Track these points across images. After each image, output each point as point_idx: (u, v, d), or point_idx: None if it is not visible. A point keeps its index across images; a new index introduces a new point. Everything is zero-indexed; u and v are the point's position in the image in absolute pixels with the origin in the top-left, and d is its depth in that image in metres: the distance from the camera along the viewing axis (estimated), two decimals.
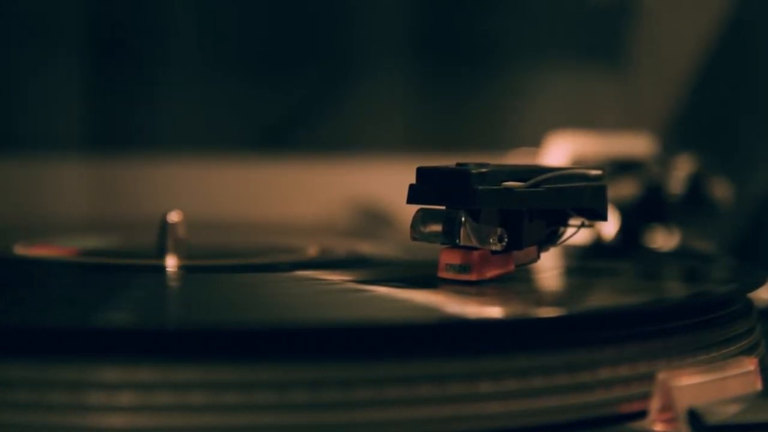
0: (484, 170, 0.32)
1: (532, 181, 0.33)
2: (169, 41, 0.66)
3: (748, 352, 0.32)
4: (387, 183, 0.58)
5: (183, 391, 0.25)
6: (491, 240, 0.33)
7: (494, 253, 0.33)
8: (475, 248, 0.33)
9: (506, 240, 0.33)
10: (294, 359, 0.26)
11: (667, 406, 0.28)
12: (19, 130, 0.65)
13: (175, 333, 0.26)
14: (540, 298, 0.34)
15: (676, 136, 0.62)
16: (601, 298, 0.35)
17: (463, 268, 0.33)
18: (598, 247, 0.48)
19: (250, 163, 0.67)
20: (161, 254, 0.39)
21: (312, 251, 0.43)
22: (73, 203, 0.65)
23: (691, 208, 0.50)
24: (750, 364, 0.30)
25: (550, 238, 0.35)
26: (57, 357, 0.25)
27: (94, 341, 0.25)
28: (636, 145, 0.54)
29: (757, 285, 0.35)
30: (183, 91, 0.67)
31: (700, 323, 0.31)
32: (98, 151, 0.66)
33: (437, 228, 0.33)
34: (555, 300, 0.34)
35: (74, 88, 0.65)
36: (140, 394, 0.25)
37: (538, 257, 0.35)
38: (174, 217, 0.39)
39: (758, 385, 0.30)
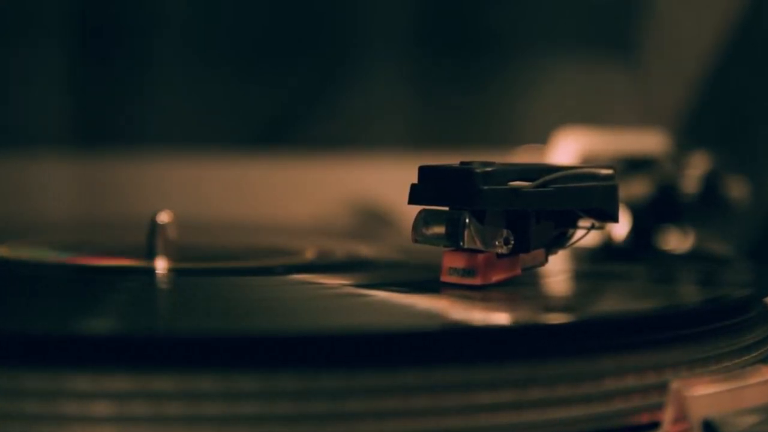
0: (489, 169, 0.32)
1: (539, 181, 0.32)
2: (160, 34, 0.67)
3: (766, 360, 0.32)
4: (387, 182, 0.57)
5: (166, 400, 0.25)
6: (497, 242, 0.32)
7: (500, 256, 0.33)
8: (480, 251, 0.32)
9: (512, 242, 0.33)
10: (289, 368, 0.25)
11: (681, 417, 0.27)
12: (4, 126, 0.65)
13: (159, 340, 0.26)
14: (548, 303, 0.34)
15: (691, 133, 0.63)
16: (611, 304, 0.35)
17: (468, 272, 0.32)
18: (608, 249, 0.48)
19: (244, 161, 0.67)
20: (150, 256, 0.39)
21: (309, 253, 0.43)
22: (60, 202, 0.65)
23: (706, 208, 0.50)
24: None
25: (559, 241, 0.34)
26: (34, 365, 0.25)
27: (75, 349, 0.25)
28: (648, 142, 0.54)
29: None
30: (174, 86, 0.67)
31: (715, 330, 0.31)
32: (86, 148, 0.66)
33: (440, 230, 0.32)
34: (564, 305, 0.34)
35: (61, 83, 0.65)
36: (114, 403, 0.25)
37: (546, 260, 0.34)
38: (164, 217, 0.39)
39: None
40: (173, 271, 0.37)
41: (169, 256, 0.39)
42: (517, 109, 0.69)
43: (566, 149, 0.53)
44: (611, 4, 0.69)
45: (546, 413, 0.27)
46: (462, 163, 0.32)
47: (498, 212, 0.32)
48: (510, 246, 0.32)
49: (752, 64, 0.63)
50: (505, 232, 0.32)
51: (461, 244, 0.32)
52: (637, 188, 0.50)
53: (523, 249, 0.33)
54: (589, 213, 0.34)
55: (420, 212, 0.33)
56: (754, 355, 0.31)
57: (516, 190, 0.32)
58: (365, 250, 0.46)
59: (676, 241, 0.50)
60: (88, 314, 0.29)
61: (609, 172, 0.34)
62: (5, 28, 0.65)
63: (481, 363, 0.27)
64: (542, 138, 0.58)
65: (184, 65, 0.67)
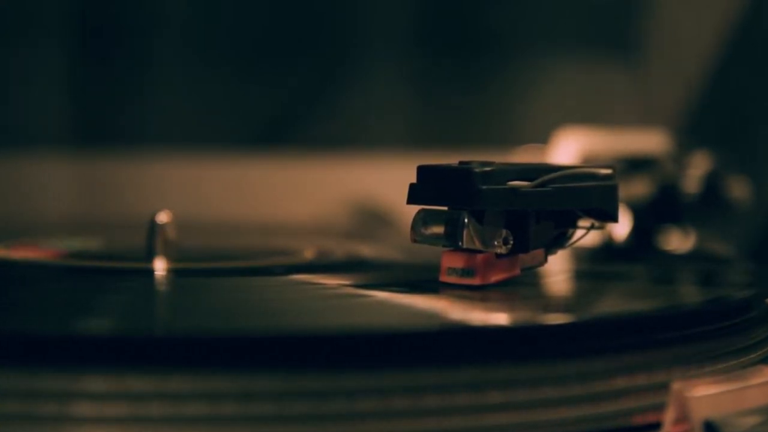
0: (488, 169, 0.31)
1: (539, 181, 0.32)
2: (160, 34, 0.67)
3: (767, 360, 0.32)
4: (387, 181, 0.57)
5: (150, 401, 0.25)
6: (496, 242, 0.32)
7: (499, 256, 0.32)
8: (479, 251, 0.32)
9: (512, 242, 0.32)
10: (289, 368, 0.25)
11: (683, 418, 0.27)
12: (4, 126, 0.65)
13: (161, 341, 0.26)
14: (547, 304, 0.34)
15: (692, 133, 0.62)
16: (612, 304, 0.34)
17: (467, 272, 0.32)
18: (608, 249, 0.47)
19: (243, 161, 0.67)
20: (149, 257, 0.39)
21: (309, 253, 0.43)
22: (58, 202, 0.65)
23: (707, 208, 0.50)
24: None
25: (558, 241, 0.34)
26: (40, 366, 0.25)
27: (78, 350, 0.25)
28: (649, 142, 0.53)
29: None
30: (174, 86, 0.67)
31: (717, 330, 0.31)
32: (86, 148, 0.66)
33: (439, 230, 0.32)
34: (563, 306, 0.34)
35: (61, 83, 0.65)
36: (123, 404, 0.25)
37: (546, 260, 0.34)
38: (163, 217, 0.39)
39: None
40: (173, 272, 0.37)
41: (169, 256, 0.38)
42: (517, 109, 0.69)
43: (567, 149, 0.53)
44: (611, 4, 0.69)
45: (545, 413, 0.27)
46: (461, 162, 0.32)
47: (497, 212, 0.32)
48: (509, 246, 0.32)
49: (752, 64, 0.63)
50: (504, 232, 0.32)
51: (460, 244, 0.31)
52: (637, 188, 0.50)
53: (522, 249, 0.33)
54: (589, 213, 0.34)
55: (419, 212, 0.32)
56: (755, 355, 0.31)
57: (515, 189, 0.32)
58: (365, 250, 0.46)
59: (677, 242, 0.49)
60: (87, 315, 0.29)
61: (609, 171, 0.34)
62: (5, 28, 0.65)
63: (478, 364, 0.26)
64: (542, 138, 0.58)
65: (184, 65, 0.67)
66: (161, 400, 0.25)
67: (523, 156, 0.58)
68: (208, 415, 0.25)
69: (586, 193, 0.33)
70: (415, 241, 0.32)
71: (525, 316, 0.30)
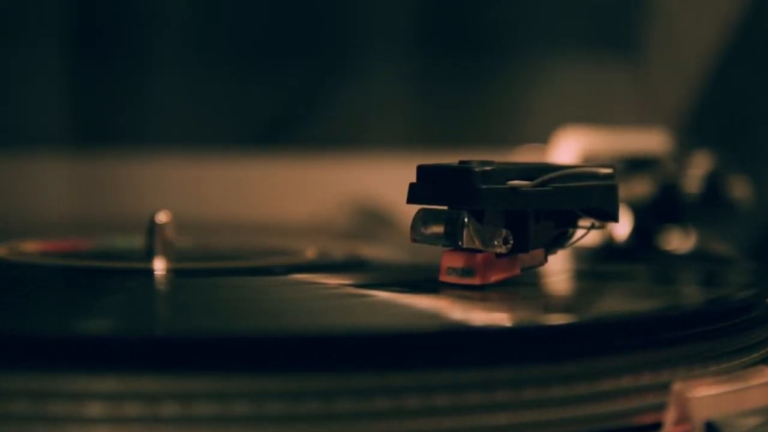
0: (488, 168, 0.31)
1: (539, 180, 0.32)
2: (160, 34, 0.67)
3: None
4: (387, 181, 0.57)
5: (150, 401, 0.25)
6: (496, 242, 0.32)
7: (499, 256, 0.32)
8: (479, 251, 0.32)
9: (511, 242, 0.32)
10: (291, 369, 0.25)
11: (684, 418, 0.27)
12: (4, 126, 0.65)
13: (161, 341, 0.26)
14: (547, 304, 0.34)
15: (693, 133, 0.62)
16: (612, 304, 0.34)
17: (466, 272, 0.32)
18: (609, 249, 0.47)
19: (243, 161, 0.67)
20: (149, 257, 0.39)
21: (309, 253, 0.43)
22: (58, 202, 0.65)
23: (708, 208, 0.50)
24: None
25: (558, 240, 0.34)
26: (39, 367, 0.25)
27: (78, 350, 0.25)
28: (650, 141, 0.53)
29: None
30: (174, 86, 0.67)
31: (717, 330, 0.30)
32: (85, 148, 0.66)
33: (439, 229, 0.32)
34: (563, 306, 0.34)
35: (61, 83, 0.65)
36: (123, 404, 0.25)
37: (546, 260, 0.34)
38: (162, 217, 0.39)
39: None
40: (172, 272, 0.37)
41: (168, 256, 0.38)
42: (518, 108, 0.69)
43: (567, 149, 0.53)
44: (611, 4, 0.69)
45: (547, 414, 0.27)
46: (461, 162, 0.32)
47: (497, 212, 0.32)
48: (509, 246, 0.32)
49: (752, 64, 0.63)
50: (504, 232, 0.32)
51: (460, 243, 0.31)
52: (638, 188, 0.50)
53: (522, 249, 0.33)
54: (589, 212, 0.34)
55: (418, 212, 0.32)
56: (756, 355, 0.31)
57: (515, 189, 0.31)
58: (365, 250, 0.46)
59: (678, 241, 0.49)
60: (86, 315, 0.29)
61: (609, 171, 0.33)
62: (5, 28, 0.65)
63: (480, 364, 0.26)
64: (542, 138, 0.58)
65: (184, 65, 0.67)
66: (160, 400, 0.25)
67: (523, 156, 0.58)
68: (208, 415, 0.25)
69: (586, 193, 0.33)
70: (414, 240, 0.32)
71: (526, 316, 0.30)
